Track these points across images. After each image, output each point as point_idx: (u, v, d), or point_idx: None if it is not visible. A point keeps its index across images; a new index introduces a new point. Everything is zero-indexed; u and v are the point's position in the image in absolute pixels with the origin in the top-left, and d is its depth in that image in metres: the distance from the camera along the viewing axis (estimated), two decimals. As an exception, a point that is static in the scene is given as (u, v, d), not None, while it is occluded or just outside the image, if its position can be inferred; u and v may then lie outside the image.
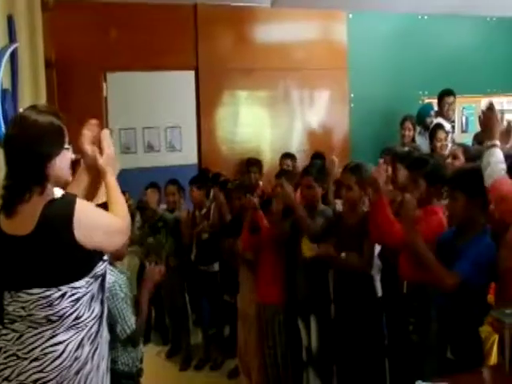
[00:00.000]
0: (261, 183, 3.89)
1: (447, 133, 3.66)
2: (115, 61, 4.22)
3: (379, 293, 2.53)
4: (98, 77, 4.26)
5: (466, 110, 4.96)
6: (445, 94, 4.31)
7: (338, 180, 3.01)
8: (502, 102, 5.05)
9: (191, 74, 4.55)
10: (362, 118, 4.82)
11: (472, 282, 1.78)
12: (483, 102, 5.04)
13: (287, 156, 3.87)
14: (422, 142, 4.10)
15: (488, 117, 1.89)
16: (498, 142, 1.83)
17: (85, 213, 1.36)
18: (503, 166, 1.77)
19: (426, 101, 4.82)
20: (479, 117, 1.94)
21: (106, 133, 1.58)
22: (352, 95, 4.85)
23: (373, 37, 4.88)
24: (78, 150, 1.54)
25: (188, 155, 4.86)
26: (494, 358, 1.83)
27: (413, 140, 4.26)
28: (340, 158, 3.55)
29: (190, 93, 4.62)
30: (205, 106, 4.58)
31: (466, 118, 4.99)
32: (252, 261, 2.81)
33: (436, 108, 4.46)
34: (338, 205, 2.91)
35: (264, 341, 2.77)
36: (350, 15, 4.85)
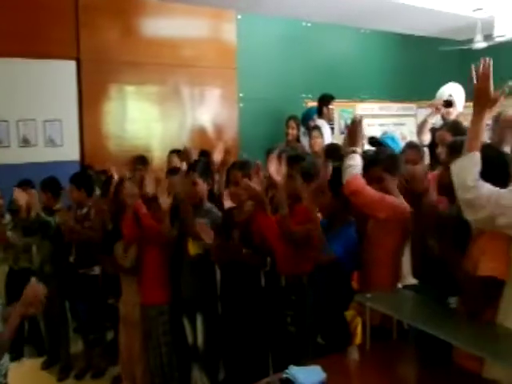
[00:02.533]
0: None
1: (322, 134, 3.98)
2: (-21, 45, 3.78)
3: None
4: (-41, 61, 3.77)
5: (344, 114, 5.38)
6: (330, 99, 4.64)
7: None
8: (373, 108, 5.59)
9: (72, 64, 4.26)
10: (250, 117, 4.95)
11: (343, 265, 1.94)
12: (358, 107, 5.54)
13: (175, 153, 3.81)
14: (306, 142, 4.36)
15: (354, 128, 2.09)
16: (359, 149, 2.05)
17: None
18: (359, 168, 1.99)
19: (310, 103, 5.12)
20: (347, 126, 2.16)
21: None
22: (241, 95, 4.96)
23: (261, 39, 5.04)
24: None
25: (69, 151, 4.53)
26: (358, 339, 2.02)
27: (298, 140, 4.51)
28: (229, 157, 3.61)
29: (70, 84, 4.32)
30: (88, 99, 4.32)
31: (345, 121, 5.42)
32: (132, 268, 2.70)
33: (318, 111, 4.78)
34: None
35: (148, 343, 2.70)
36: (239, 16, 4.95)
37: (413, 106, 5.94)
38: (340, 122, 5.30)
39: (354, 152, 2.03)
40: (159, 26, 4.64)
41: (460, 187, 1.50)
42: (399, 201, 1.92)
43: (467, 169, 1.50)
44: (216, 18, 4.91)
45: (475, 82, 1.57)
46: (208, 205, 2.71)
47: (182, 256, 2.68)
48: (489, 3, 4.37)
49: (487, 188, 1.46)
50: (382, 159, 2.10)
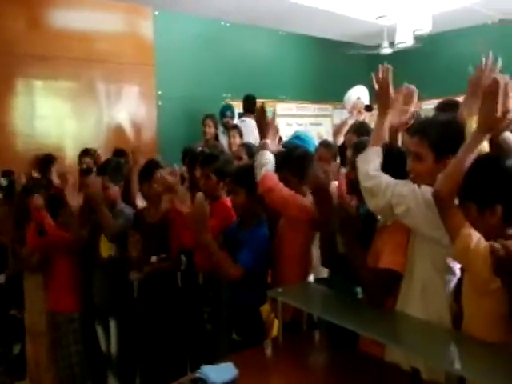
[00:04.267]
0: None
1: (241, 133, 4.01)
2: None
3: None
4: None
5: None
6: (254, 100, 4.71)
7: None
8: (291, 108, 5.75)
9: (-32, 55, 3.89)
10: (170, 116, 4.85)
11: (253, 270, 1.96)
12: (278, 107, 5.67)
13: (86, 153, 3.62)
14: (225, 141, 4.37)
15: (259, 117, 2.11)
16: (268, 141, 2.08)
17: None
18: (271, 165, 2.01)
19: (230, 103, 5.14)
20: (256, 119, 2.17)
21: None
22: (160, 93, 4.85)
23: (179, 37, 4.96)
24: None
25: (-32, 150, 4.13)
26: (275, 332, 2.06)
27: (217, 138, 4.51)
28: (148, 157, 3.50)
29: (-32, 77, 3.94)
30: (-12, 94, 3.97)
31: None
32: (41, 264, 2.53)
33: (236, 110, 4.82)
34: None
35: (58, 353, 2.54)
36: (156, 12, 4.84)
37: (329, 106, 6.20)
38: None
39: (264, 145, 2.04)
40: (70, 18, 4.38)
41: (362, 176, 1.61)
42: (307, 199, 1.98)
43: (370, 160, 1.61)
44: (132, 12, 4.75)
45: (376, 87, 1.69)
46: (122, 205, 2.62)
47: (93, 258, 2.56)
48: (391, 11, 4.68)
49: (386, 177, 1.58)
50: (290, 163, 2.10)
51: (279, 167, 2.04)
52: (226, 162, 2.39)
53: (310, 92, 5.96)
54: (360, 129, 2.57)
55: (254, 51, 5.53)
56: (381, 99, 1.68)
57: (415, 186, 1.54)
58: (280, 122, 5.65)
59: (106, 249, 2.56)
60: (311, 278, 2.17)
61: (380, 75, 1.67)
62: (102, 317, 2.59)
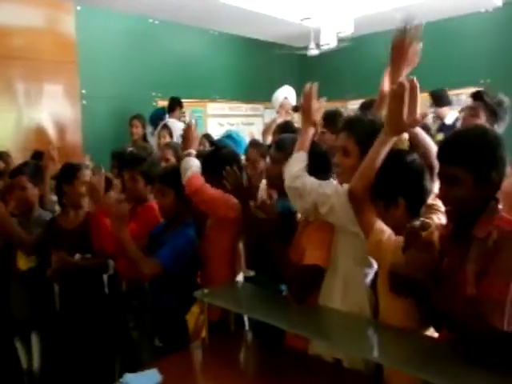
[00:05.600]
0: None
1: (172, 132, 3.95)
2: None
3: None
4: None
5: (195, 113, 5.44)
6: (179, 101, 4.63)
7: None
8: (223, 108, 5.76)
9: None
10: (95, 116, 4.65)
11: (173, 269, 1.93)
12: (209, 107, 5.65)
13: (-1, 156, 3.38)
14: (154, 142, 4.27)
15: (188, 132, 2.14)
16: (193, 151, 2.08)
17: None
18: (196, 167, 2.03)
19: (160, 102, 5.02)
20: (183, 129, 2.19)
21: None
22: (84, 92, 4.63)
23: (104, 33, 4.77)
24: None
25: None
26: (204, 334, 2.04)
27: (145, 139, 4.40)
28: (73, 158, 3.33)
29: None
30: None
31: (196, 120, 5.45)
32: None
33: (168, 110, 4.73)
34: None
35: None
36: (79, 7, 4.61)
37: (260, 106, 6.28)
38: (192, 121, 5.32)
39: (189, 155, 2.06)
40: (-16, 11, 4.07)
41: (288, 179, 1.64)
42: (234, 198, 1.99)
43: (295, 163, 1.64)
44: (52, 7, 4.49)
45: (302, 102, 1.74)
46: (39, 211, 2.47)
47: (9, 271, 2.39)
48: (315, 13, 4.81)
49: (311, 179, 1.62)
50: (214, 163, 2.08)
51: (204, 168, 2.03)
52: (153, 164, 2.34)
53: (242, 92, 5.99)
54: (285, 128, 2.61)
55: (184, 50, 5.45)
56: (305, 115, 1.72)
57: (338, 185, 1.59)
58: (211, 122, 5.66)
59: (24, 261, 2.40)
60: (240, 277, 2.18)
61: (306, 93, 1.71)
62: (22, 332, 2.43)
